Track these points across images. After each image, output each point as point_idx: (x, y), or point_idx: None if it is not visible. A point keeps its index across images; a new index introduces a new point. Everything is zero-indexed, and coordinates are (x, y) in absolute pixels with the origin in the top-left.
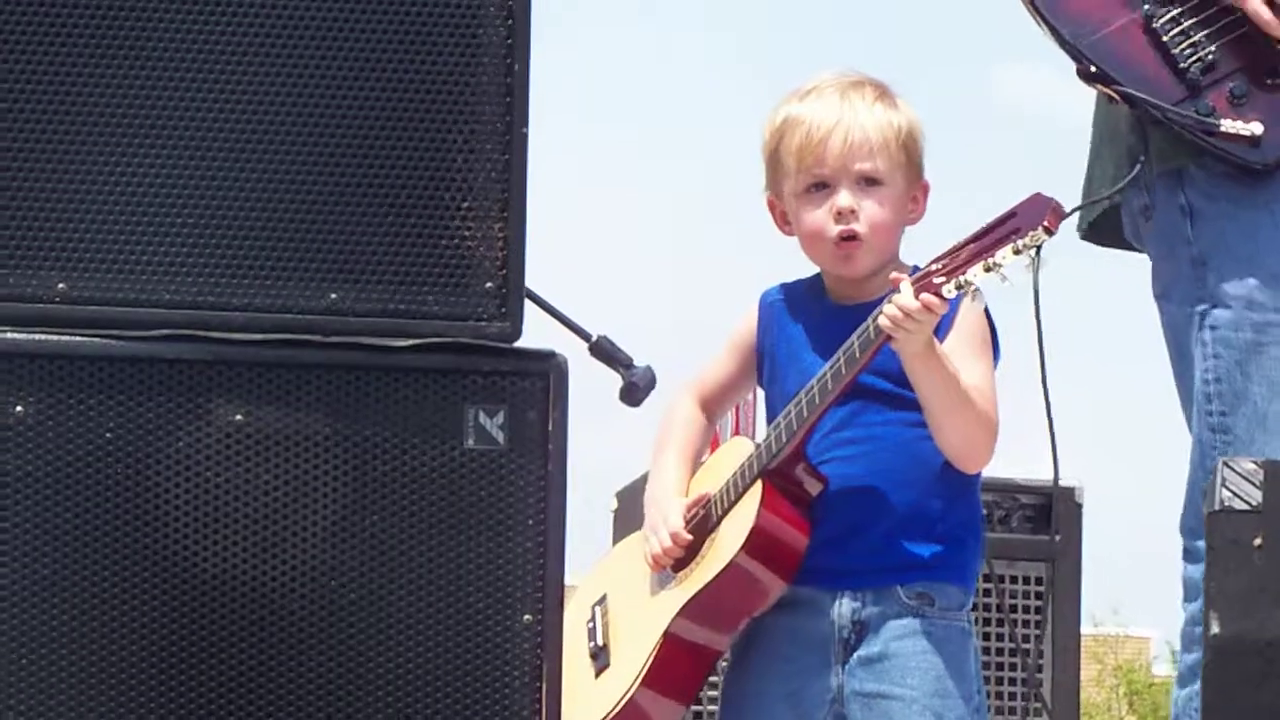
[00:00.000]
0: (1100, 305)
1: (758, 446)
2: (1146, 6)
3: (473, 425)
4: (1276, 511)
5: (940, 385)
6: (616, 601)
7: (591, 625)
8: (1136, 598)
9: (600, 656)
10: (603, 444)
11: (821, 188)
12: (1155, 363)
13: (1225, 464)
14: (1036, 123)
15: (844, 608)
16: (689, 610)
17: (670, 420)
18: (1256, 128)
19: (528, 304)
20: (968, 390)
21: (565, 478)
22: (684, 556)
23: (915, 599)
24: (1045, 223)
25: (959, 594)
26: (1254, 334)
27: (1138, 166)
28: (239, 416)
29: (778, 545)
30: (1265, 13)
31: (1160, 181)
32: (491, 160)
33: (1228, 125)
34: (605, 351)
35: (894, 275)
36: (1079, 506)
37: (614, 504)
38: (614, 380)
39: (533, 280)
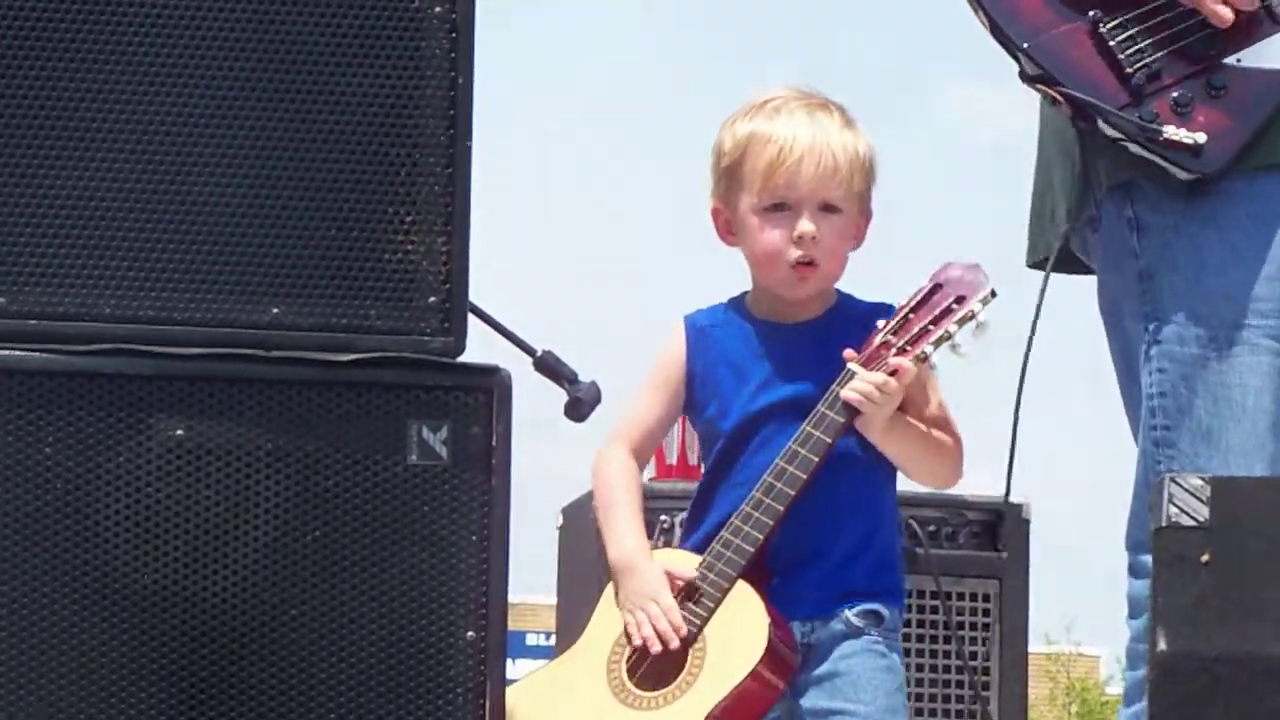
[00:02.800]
0: (1046, 322)
1: (731, 529)
2: (1093, 12)
3: (416, 440)
4: (1223, 527)
5: (910, 444)
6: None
7: None
8: (1089, 615)
9: None
10: (548, 459)
11: (782, 209)
12: (1106, 378)
13: (1172, 479)
14: (980, 139)
15: (793, 629)
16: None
17: (609, 478)
18: (1200, 137)
19: (471, 319)
20: (931, 432)
21: (509, 493)
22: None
23: (862, 619)
24: (985, 294)
25: (899, 614)
26: (1199, 349)
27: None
28: (180, 431)
29: (783, 657)
30: (1222, 10)
31: (1109, 195)
32: (435, 174)
33: (1170, 132)
34: (550, 367)
35: (846, 353)
36: (1026, 523)
37: (559, 520)
38: (559, 395)
39: (476, 294)
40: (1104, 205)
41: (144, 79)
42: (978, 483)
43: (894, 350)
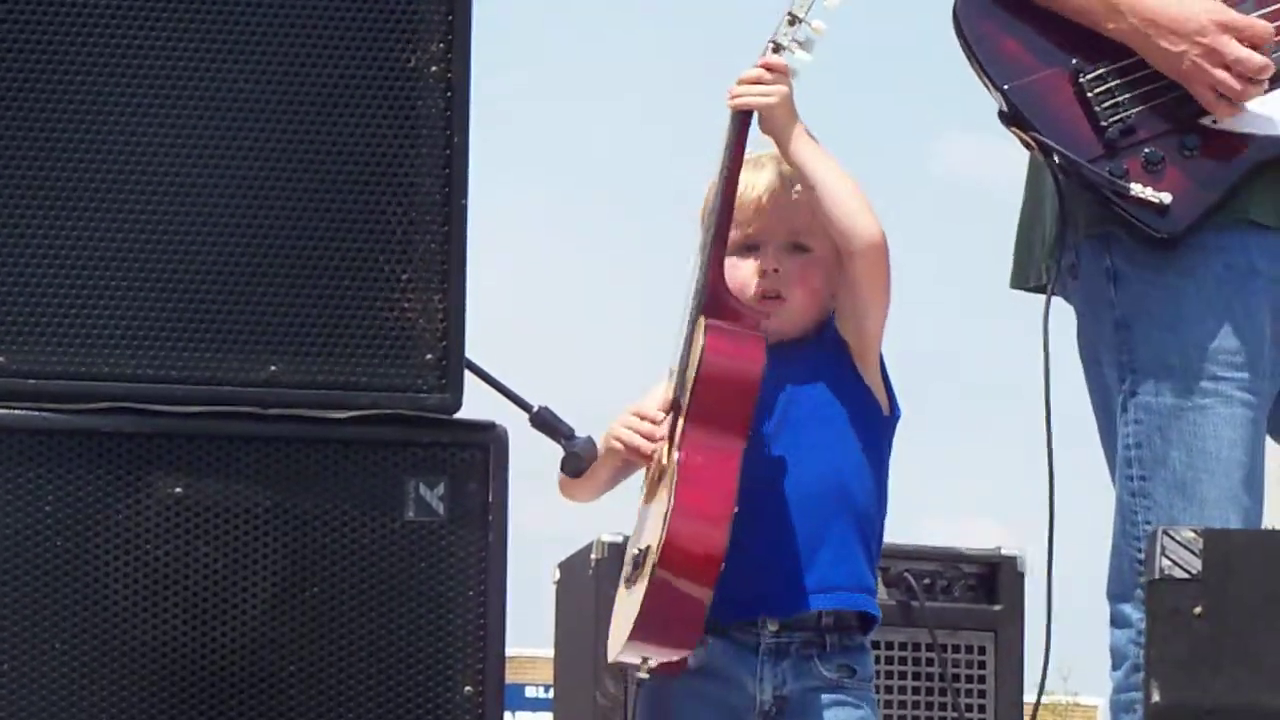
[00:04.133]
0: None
1: (687, 306)
2: (1075, 60)
3: (413, 497)
4: (1216, 580)
5: (813, 152)
6: (633, 541)
7: (625, 570)
8: (1087, 665)
9: (641, 560)
10: (544, 516)
11: (753, 249)
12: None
13: (1165, 532)
14: (973, 193)
15: (765, 682)
16: (689, 428)
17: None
18: (1165, 197)
19: (468, 375)
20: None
21: (506, 549)
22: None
23: (837, 672)
24: None
25: (871, 664)
26: (1174, 400)
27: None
28: (178, 489)
29: (732, 334)
30: (1208, 94)
31: (1087, 244)
32: (431, 232)
33: (1137, 190)
34: (546, 422)
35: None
36: (1021, 575)
37: (556, 575)
38: (555, 451)
39: (473, 351)
40: (1082, 252)
41: (141, 137)
42: (975, 531)
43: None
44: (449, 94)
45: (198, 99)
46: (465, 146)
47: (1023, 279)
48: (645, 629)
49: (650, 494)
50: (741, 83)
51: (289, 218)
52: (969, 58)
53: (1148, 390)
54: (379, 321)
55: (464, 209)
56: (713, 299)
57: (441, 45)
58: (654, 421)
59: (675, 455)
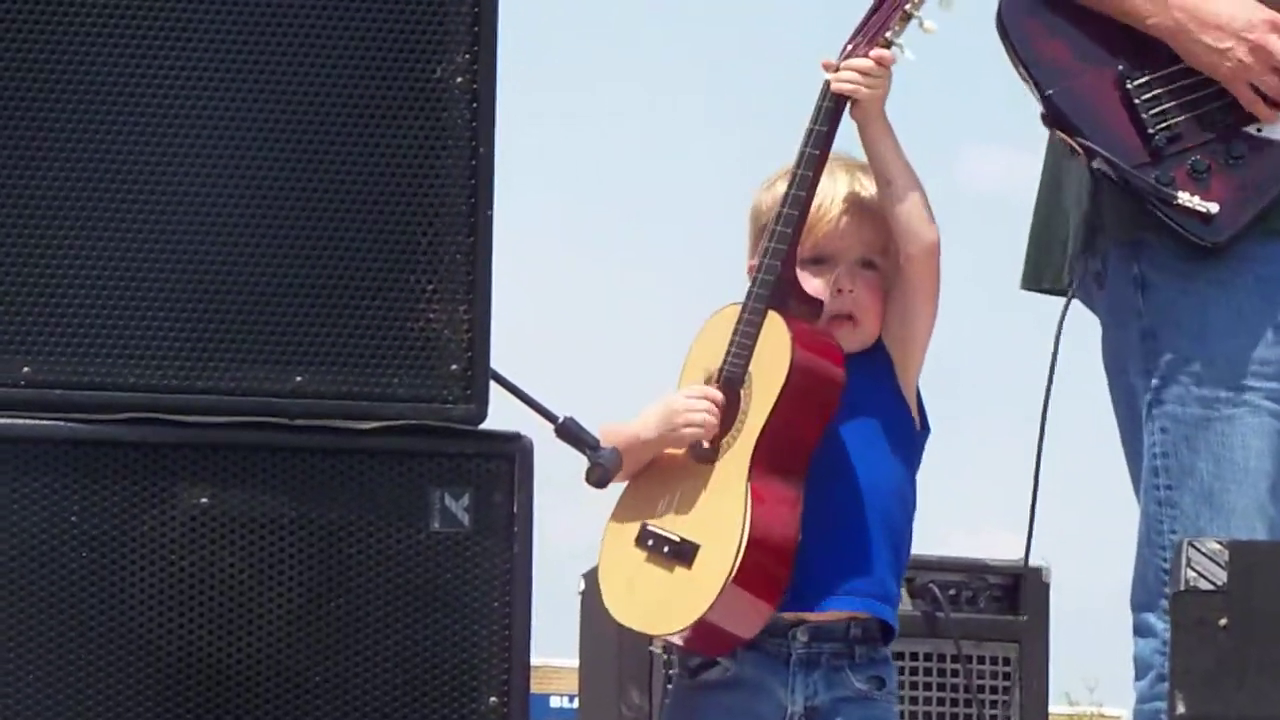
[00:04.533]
0: (1071, 377)
1: (751, 288)
2: (1121, 66)
3: (438, 508)
4: (1241, 591)
5: (894, 150)
6: (663, 517)
7: (651, 542)
8: (1112, 676)
9: (684, 551)
10: (569, 526)
11: (821, 263)
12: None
13: (1190, 544)
14: (998, 203)
15: (796, 693)
16: (761, 451)
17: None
18: (1212, 206)
19: (493, 386)
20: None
21: (531, 559)
22: (716, 437)
23: (867, 683)
24: None
25: (895, 676)
26: (1201, 409)
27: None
28: (204, 499)
29: (819, 345)
30: (1248, 93)
31: (1115, 251)
32: (456, 243)
33: (1184, 199)
34: (571, 433)
35: (823, 62)
36: (1046, 586)
37: (581, 585)
38: (581, 462)
39: (498, 362)
40: (1109, 260)
41: (167, 150)
42: (1001, 544)
43: (865, 47)
44: (474, 105)
45: (223, 111)
46: (491, 158)
47: (1036, 280)
48: (699, 628)
49: (682, 465)
50: (850, 69)
51: (315, 229)
52: (1013, 59)
53: (1174, 399)
54: (404, 332)
55: (489, 220)
56: (789, 295)
57: (467, 56)
58: (717, 403)
59: (744, 469)
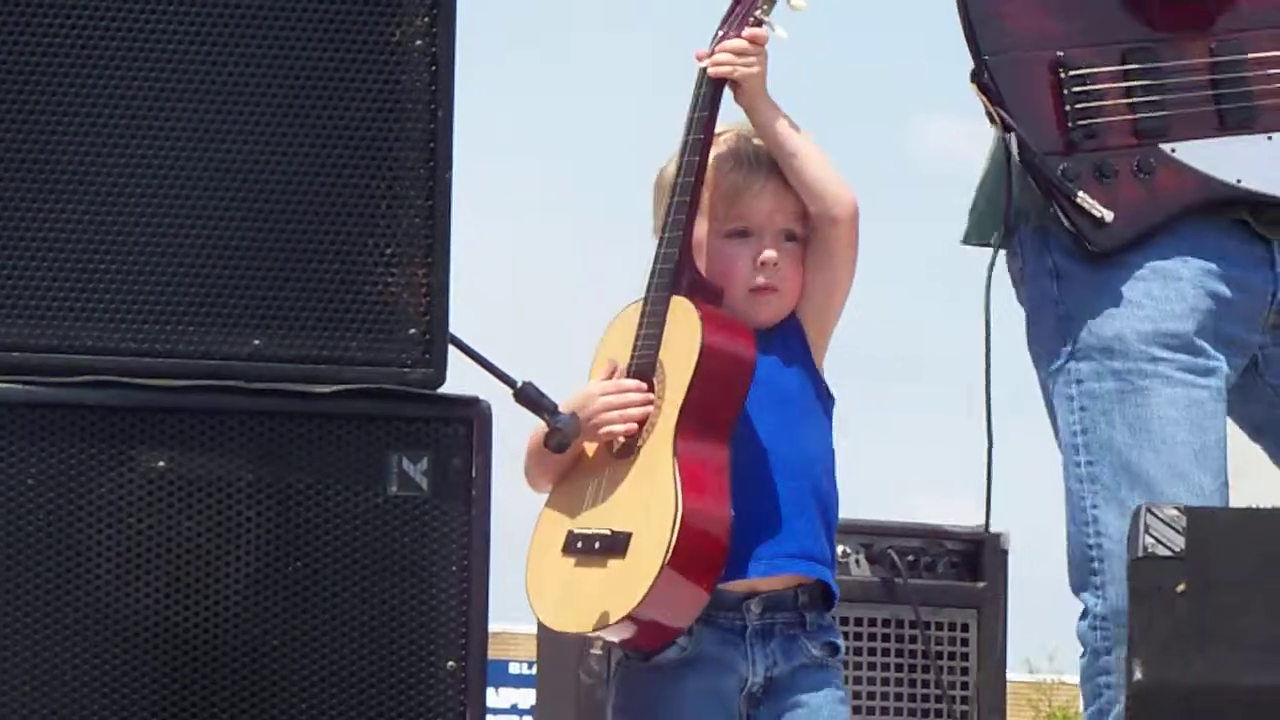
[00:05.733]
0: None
1: (651, 278)
2: (1063, 53)
3: (396, 471)
4: (1199, 557)
5: (788, 124)
6: (587, 518)
7: (580, 544)
8: (1073, 643)
9: (616, 542)
10: (529, 491)
11: (744, 235)
12: None
13: (1148, 510)
14: (952, 173)
15: (757, 664)
16: (683, 430)
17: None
18: (1107, 214)
19: (452, 350)
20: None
21: (489, 524)
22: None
23: (822, 649)
24: None
25: (842, 640)
26: (1115, 383)
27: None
28: (162, 463)
29: (727, 326)
30: None
31: (1029, 242)
32: (415, 206)
33: (1083, 199)
34: (530, 398)
35: (696, 52)
36: (1004, 553)
37: None
38: (539, 427)
39: (457, 326)
40: (1026, 254)
41: (123, 111)
42: (960, 510)
43: (734, 31)
44: (433, 68)
45: (179, 75)
46: (450, 121)
47: (980, 235)
48: (641, 617)
49: (598, 466)
50: (724, 51)
51: (272, 192)
52: (962, 12)
53: (1091, 376)
54: (363, 296)
55: (448, 184)
56: (688, 279)
57: (426, 19)
58: (641, 395)
59: (669, 449)
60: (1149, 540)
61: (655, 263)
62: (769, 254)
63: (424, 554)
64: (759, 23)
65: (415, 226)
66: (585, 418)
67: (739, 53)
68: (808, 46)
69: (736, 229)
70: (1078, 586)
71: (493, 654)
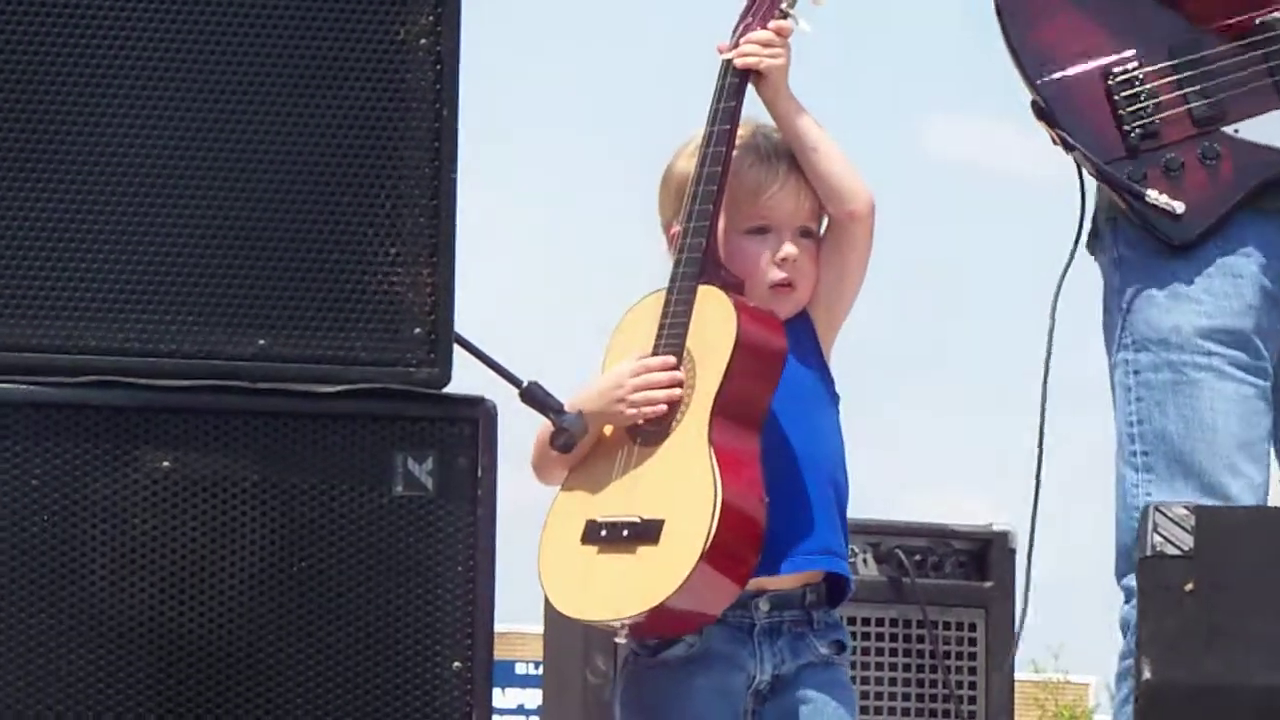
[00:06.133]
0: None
1: (676, 268)
2: (1107, 59)
3: (401, 471)
4: (1207, 557)
5: (809, 118)
6: (610, 505)
7: (604, 533)
8: (1078, 643)
9: (648, 529)
10: (535, 490)
11: (764, 231)
12: (1089, 402)
13: (1157, 509)
14: (967, 172)
15: (765, 662)
16: (718, 418)
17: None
18: (1179, 206)
19: (457, 349)
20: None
21: (494, 524)
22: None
23: (829, 648)
24: None
25: (849, 637)
26: (1171, 374)
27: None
28: (166, 463)
29: (761, 317)
30: None
31: (1107, 229)
32: (420, 206)
33: (1153, 196)
34: (536, 398)
35: (719, 45)
36: (1012, 552)
37: None
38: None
39: (462, 325)
40: (1103, 241)
41: (127, 110)
42: (967, 510)
43: (758, 23)
44: (438, 67)
45: (183, 73)
46: (455, 120)
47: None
48: (675, 606)
49: (617, 452)
50: (750, 42)
51: (278, 191)
52: (1006, 44)
53: (1148, 367)
54: (368, 295)
55: (453, 183)
56: (716, 271)
57: (431, 18)
58: (671, 377)
59: (703, 437)
60: (1157, 539)
61: (681, 252)
62: (790, 250)
63: (429, 554)
64: (784, 15)
65: (420, 226)
66: (616, 398)
67: (765, 44)
68: (824, 43)
69: (757, 226)
70: (1123, 572)
71: (499, 654)
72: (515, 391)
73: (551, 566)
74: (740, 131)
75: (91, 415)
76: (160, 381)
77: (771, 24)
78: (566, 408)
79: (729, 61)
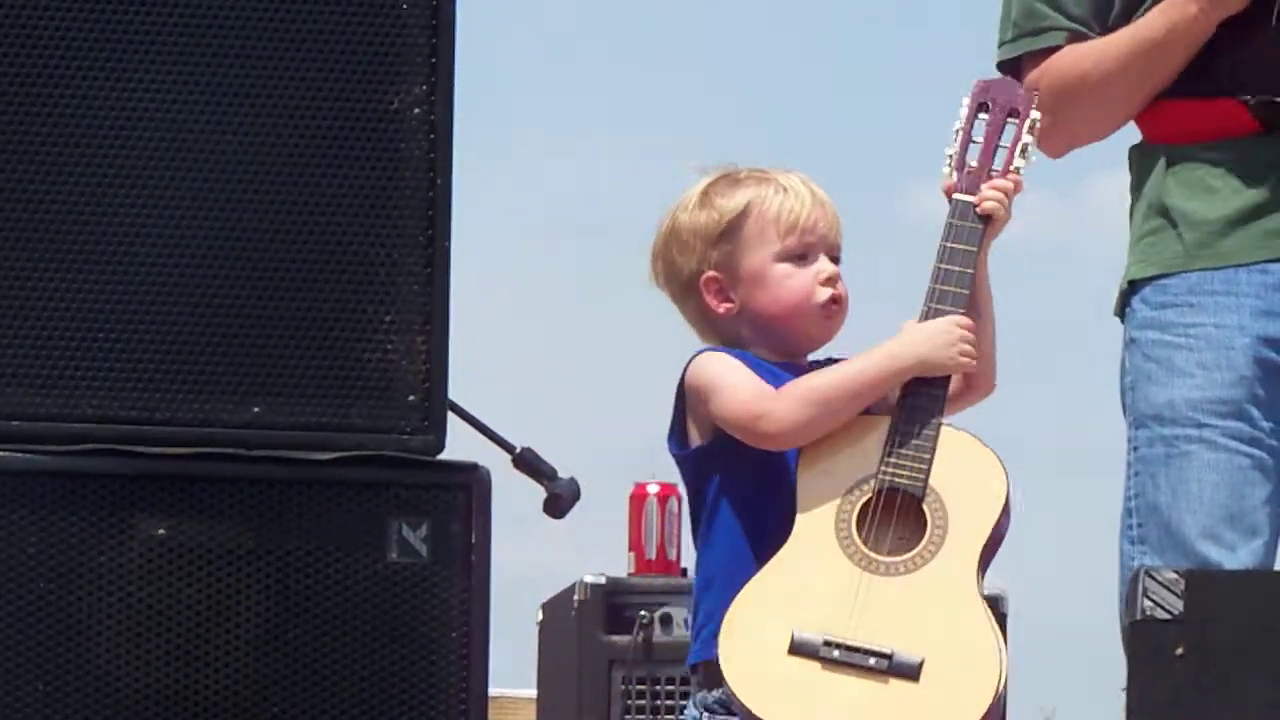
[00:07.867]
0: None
1: (910, 399)
2: None
3: (396, 538)
4: (1198, 621)
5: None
6: (837, 622)
7: (837, 653)
8: (1069, 705)
9: (902, 667)
10: (527, 556)
11: (802, 257)
12: (1078, 466)
13: (1147, 573)
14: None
15: None
16: (983, 566)
17: (817, 389)
18: None
19: (451, 416)
20: None
21: (488, 590)
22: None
23: None
24: (1035, 97)
25: None
26: (1164, 448)
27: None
28: (162, 531)
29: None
30: None
31: (1125, 312)
32: (414, 274)
33: None
34: (529, 463)
35: (946, 184)
36: (1003, 616)
37: (539, 615)
38: (538, 492)
39: (455, 392)
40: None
41: (124, 181)
42: None
43: (987, 173)
44: (432, 136)
45: (180, 143)
46: (448, 188)
47: None
48: None
49: (829, 561)
50: (998, 190)
51: (272, 260)
52: None
53: (1144, 443)
54: (362, 363)
55: (447, 251)
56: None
57: (424, 87)
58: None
59: (972, 583)
60: (1147, 604)
61: (921, 384)
62: (831, 267)
63: (424, 620)
64: (1019, 170)
65: (414, 294)
66: (948, 341)
67: (1009, 194)
68: (802, 111)
69: (797, 252)
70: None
71: (492, 718)
72: (508, 457)
73: (750, 670)
74: (747, 172)
75: (88, 484)
76: (156, 449)
77: (1011, 176)
78: (893, 349)
79: (961, 202)
